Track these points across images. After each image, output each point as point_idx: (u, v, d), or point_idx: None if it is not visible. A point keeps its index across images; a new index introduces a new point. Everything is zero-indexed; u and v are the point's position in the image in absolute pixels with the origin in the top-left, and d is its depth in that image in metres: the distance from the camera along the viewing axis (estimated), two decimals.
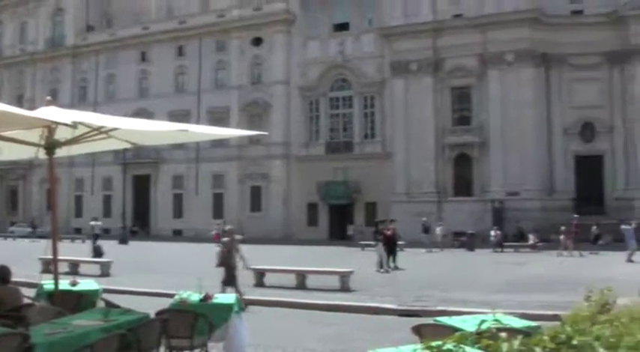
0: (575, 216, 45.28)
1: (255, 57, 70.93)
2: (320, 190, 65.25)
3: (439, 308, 17.19)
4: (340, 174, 64.85)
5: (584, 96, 58.66)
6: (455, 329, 6.33)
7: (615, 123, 58.67)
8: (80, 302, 11.53)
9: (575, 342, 4.17)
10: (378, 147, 64.53)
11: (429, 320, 9.03)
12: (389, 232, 33.19)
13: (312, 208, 66.56)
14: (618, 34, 57.65)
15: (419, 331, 7.76)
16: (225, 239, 18.39)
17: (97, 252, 34.97)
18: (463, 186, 60.11)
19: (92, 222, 45.83)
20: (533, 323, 8.14)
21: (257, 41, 70.90)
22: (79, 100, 78.60)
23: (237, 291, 17.27)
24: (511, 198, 56.39)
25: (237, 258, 18.47)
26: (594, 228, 47.94)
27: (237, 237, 19.07)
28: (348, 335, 14.63)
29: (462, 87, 61.20)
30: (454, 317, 8.57)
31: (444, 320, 8.23)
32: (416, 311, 17.22)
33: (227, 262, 17.98)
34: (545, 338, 4.18)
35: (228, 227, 19.20)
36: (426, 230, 48.29)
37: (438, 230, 48.86)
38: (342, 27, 67.27)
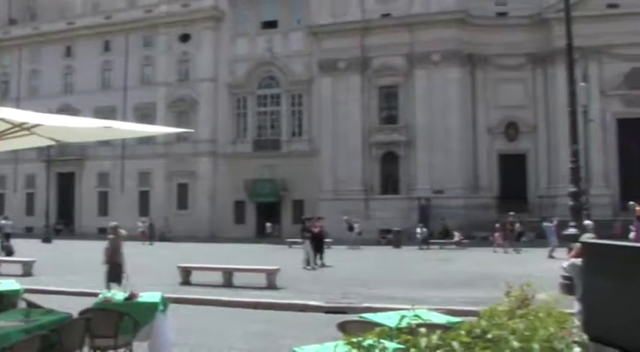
0: (511, 213, 45.99)
1: (182, 53, 70.29)
2: (247, 188, 65.11)
3: (365, 304, 17.31)
4: (267, 172, 64.79)
5: (509, 96, 59.79)
6: (379, 326, 6.40)
7: (538, 122, 59.97)
8: (0, 302, 11.30)
9: (489, 336, 4.28)
10: (305, 145, 64.67)
11: (355, 317, 9.11)
12: (316, 230, 33.27)
13: (239, 206, 66.34)
14: (542, 36, 58.86)
15: (344, 327, 7.81)
16: (110, 236, 18.08)
17: (8, 251, 34.41)
18: (390, 184, 60.66)
19: (2, 221, 44.92)
20: (456, 319, 8.27)
21: (185, 37, 70.26)
22: (1, 96, 76.83)
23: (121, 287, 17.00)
24: (437, 195, 57.07)
25: (123, 254, 18.07)
26: (517, 225, 48.82)
27: (123, 232, 18.81)
28: (275, 333, 14.63)
29: (389, 86, 61.68)
30: (379, 314, 8.66)
31: (369, 316, 8.31)
32: (342, 308, 17.29)
33: (113, 259, 17.70)
34: (462, 332, 4.28)
35: (112, 224, 18.84)
36: (350, 228, 48.49)
37: (356, 227, 49.06)
38: (271, 25, 67.16)
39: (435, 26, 59.01)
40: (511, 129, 60.55)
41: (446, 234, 51.25)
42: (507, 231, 43.73)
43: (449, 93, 58.80)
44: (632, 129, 57.65)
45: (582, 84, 37.56)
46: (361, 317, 8.47)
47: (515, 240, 44.25)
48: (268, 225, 62.85)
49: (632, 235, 30.26)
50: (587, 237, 10.77)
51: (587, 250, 4.83)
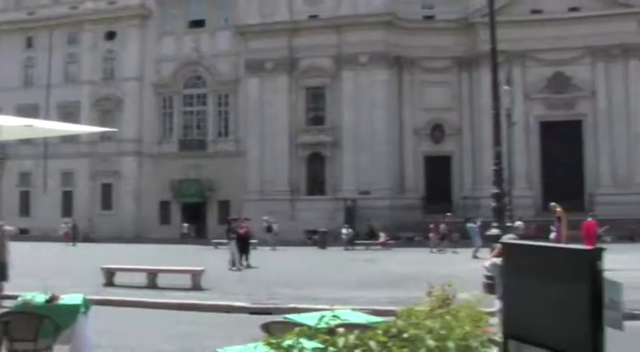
0: (448, 214, 46.53)
1: (108, 51, 69.25)
2: (173, 188, 64.52)
3: (290, 305, 17.28)
4: (193, 172, 64.30)
5: (435, 98, 60.57)
6: (302, 326, 6.38)
7: (463, 125, 60.90)
8: None
9: (406, 335, 4.32)
10: (232, 145, 64.38)
11: (279, 318, 9.08)
12: (242, 230, 33.15)
13: (164, 206, 65.69)
14: (468, 39, 59.78)
15: (268, 328, 7.78)
16: None
17: None
18: (316, 184, 60.81)
19: None
20: (379, 319, 8.30)
21: (110, 35, 69.23)
22: None
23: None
24: (363, 196, 57.40)
25: (8, 252, 17.64)
26: (443, 226, 49.41)
27: (9, 229, 18.41)
28: (200, 334, 14.51)
29: (316, 87, 61.84)
30: (303, 314, 8.65)
31: (293, 317, 8.29)
32: (268, 309, 17.24)
33: None
34: (379, 332, 4.31)
35: None
36: (269, 229, 48.30)
37: (275, 228, 49.00)
38: (198, 24, 66.66)
39: (362, 28, 59.39)
40: (437, 131, 61.35)
41: (372, 235, 51.56)
42: (447, 231, 44.40)
43: (376, 94, 59.22)
44: (554, 131, 59.03)
45: (506, 87, 38.20)
46: (285, 317, 8.45)
47: (440, 239, 44.86)
48: (185, 225, 62.35)
49: (552, 235, 30.88)
50: (509, 238, 10.93)
51: (506, 250, 4.90)
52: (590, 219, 29.21)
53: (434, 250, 42.52)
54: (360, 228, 53.45)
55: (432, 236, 44.72)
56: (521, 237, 36.61)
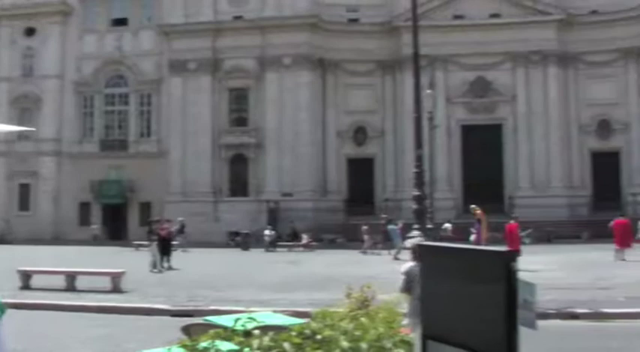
0: (384, 216, 46.69)
1: (27, 48, 67.61)
2: (93, 189, 63.42)
3: (212, 307, 17.20)
4: (114, 173, 63.36)
5: (358, 101, 61.04)
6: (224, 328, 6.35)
7: (386, 128, 61.42)
8: None
9: (319, 337, 4.35)
10: (154, 146, 63.65)
11: (200, 320, 9.02)
12: (163, 232, 32.87)
13: (84, 207, 64.53)
14: (392, 43, 60.34)
15: (188, 331, 7.72)
16: None
17: None
18: (239, 186, 60.57)
19: None
20: (300, 320, 8.31)
21: (30, 31, 67.63)
22: None
23: None
24: (285, 198, 57.42)
25: None
26: (365, 228, 49.72)
27: None
28: (119, 337, 14.34)
29: (240, 88, 61.61)
30: (223, 316, 8.60)
31: (213, 319, 8.24)
32: (189, 311, 17.15)
33: None
34: (293, 333, 4.33)
35: None
36: (181, 230, 47.67)
37: (186, 230, 48.57)
38: (121, 22, 65.72)
39: (286, 30, 59.45)
40: (360, 134, 61.78)
41: (294, 237, 51.64)
42: (381, 232, 44.47)
43: (299, 96, 59.32)
44: (475, 135, 60.15)
45: (428, 91, 38.71)
46: (205, 319, 8.39)
47: (362, 242, 45.10)
48: (95, 227, 61.38)
49: (472, 237, 31.38)
50: (415, 241, 11.08)
51: (423, 252, 4.95)
52: (512, 221, 29.76)
53: (368, 252, 42.49)
54: (282, 230, 53.47)
55: (366, 238, 44.82)
56: (443, 239, 37.17)
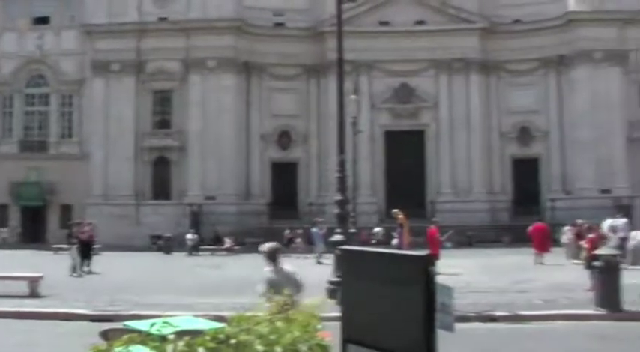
0: (321, 219, 46.42)
1: None
2: (12, 191, 61.90)
3: (132, 312, 16.99)
4: (34, 175, 61.95)
5: (283, 105, 61.07)
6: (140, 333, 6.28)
7: (310, 132, 61.58)
8: None
9: (233, 341, 4.35)
10: (75, 147, 62.49)
11: (120, 325, 8.90)
12: (84, 235, 32.36)
13: (1, 210, 63.01)
14: (317, 48, 60.52)
15: (106, 335, 7.62)
16: None
17: None
18: (162, 189, 59.94)
19: None
20: (221, 325, 8.26)
21: None
22: None
23: None
24: (208, 202, 57.02)
25: None
26: (287, 231, 49.82)
27: None
28: (37, 343, 14.06)
29: (163, 90, 61.00)
30: (143, 321, 8.50)
31: (132, 323, 8.14)
32: (109, 316, 16.86)
33: None
34: (207, 338, 4.32)
35: None
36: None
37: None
38: (43, 21, 64.40)
39: (211, 33, 59.11)
40: (284, 138, 61.78)
41: (217, 241, 51.35)
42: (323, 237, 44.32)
43: (223, 100, 59.01)
44: (398, 140, 60.77)
45: (353, 96, 38.92)
46: (125, 324, 8.28)
47: (285, 246, 45.05)
48: (4, 229, 59.89)
49: (394, 241, 31.65)
50: (270, 246, 11.13)
51: (343, 256, 4.98)
52: (432, 225, 30.12)
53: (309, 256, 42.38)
54: (205, 234, 53.18)
55: (297, 241, 44.66)
56: (366, 243, 37.38)
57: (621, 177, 57.20)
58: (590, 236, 25.19)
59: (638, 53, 58.71)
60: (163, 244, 49.37)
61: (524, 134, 61.27)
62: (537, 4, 59.93)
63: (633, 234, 33.55)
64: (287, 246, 45.66)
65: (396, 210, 30.36)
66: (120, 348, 4.17)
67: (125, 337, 4.26)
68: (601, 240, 26.65)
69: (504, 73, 61.64)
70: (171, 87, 60.72)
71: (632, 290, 19.18)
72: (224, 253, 46.71)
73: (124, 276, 29.14)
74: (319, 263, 35.51)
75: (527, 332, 15.60)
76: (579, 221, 34.25)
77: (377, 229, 47.75)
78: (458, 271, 26.62)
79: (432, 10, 61.30)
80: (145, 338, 4.28)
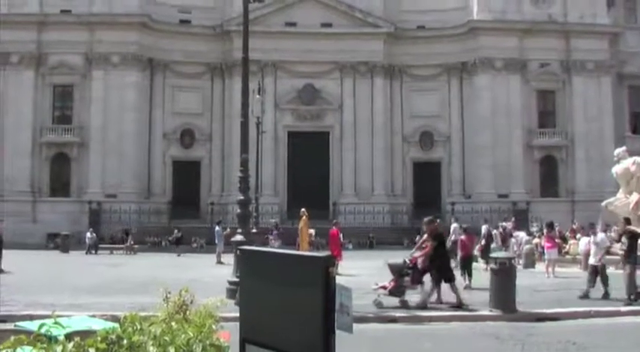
0: (220, 221, 45.85)
1: None
2: None
3: (25, 312, 16.49)
4: None
5: (186, 103, 60.65)
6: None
7: (214, 131, 61.25)
8: None
9: (125, 342, 4.26)
10: None
11: (11, 326, 8.59)
12: None
13: None
14: (223, 47, 60.37)
15: None
16: None
17: None
18: (61, 186, 58.54)
19: None
20: (116, 325, 8.08)
21: None
22: None
23: None
24: (109, 200, 56.01)
25: None
26: (176, 231, 49.68)
27: None
28: None
29: (65, 85, 59.64)
30: (36, 321, 8.23)
31: (24, 324, 7.87)
32: (0, 317, 16.32)
33: None
34: (98, 338, 4.22)
35: None
36: None
37: None
38: None
39: (115, 28, 58.11)
40: (187, 136, 61.23)
41: (119, 239, 50.59)
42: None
43: (126, 96, 58.06)
44: (302, 141, 60.95)
45: (257, 96, 38.88)
46: (17, 325, 7.99)
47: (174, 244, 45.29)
48: None
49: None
50: None
51: (242, 256, 4.93)
52: (334, 227, 30.26)
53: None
54: (105, 232, 52.34)
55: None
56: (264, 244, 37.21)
57: (518, 182, 58.83)
58: (462, 238, 25.95)
59: (536, 62, 60.65)
60: (60, 242, 48.24)
61: (426, 138, 62.37)
62: (441, 11, 61.17)
63: (521, 235, 34.97)
64: (177, 244, 45.59)
65: (303, 210, 30.39)
66: (7, 350, 4.02)
67: (13, 338, 4.09)
68: (473, 243, 27.83)
69: (408, 78, 62.61)
70: (72, 81, 59.36)
71: (525, 292, 19.72)
72: (124, 252, 46.01)
73: (18, 275, 28.27)
74: (220, 263, 35.31)
75: (425, 332, 15.81)
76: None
77: (311, 231, 47.26)
78: (357, 272, 26.88)
79: (339, 13, 61.73)
80: (33, 339, 4.12)
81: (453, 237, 35.08)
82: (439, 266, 19.13)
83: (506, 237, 35.31)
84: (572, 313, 17.96)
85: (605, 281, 20.49)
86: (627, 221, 21.67)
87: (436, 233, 19.95)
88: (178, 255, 43.74)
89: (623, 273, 20.14)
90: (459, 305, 18.59)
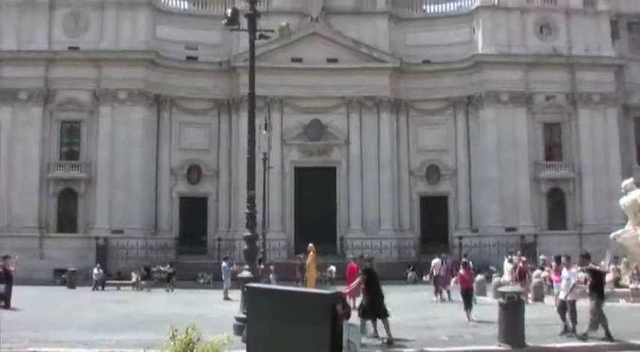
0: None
1: None
2: None
3: (30, 349, 16.42)
4: None
5: (193, 139, 60.86)
6: None
7: (221, 166, 61.31)
8: None
9: None
10: None
11: None
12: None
13: None
14: (229, 83, 60.75)
15: None
16: None
17: None
18: (68, 222, 58.45)
19: None
20: None
21: None
22: None
23: None
24: (116, 236, 55.90)
25: None
26: (168, 266, 49.50)
27: None
28: None
29: (72, 121, 59.76)
30: None
31: None
32: None
33: None
34: None
35: None
36: None
37: None
38: None
39: (123, 64, 58.38)
40: (194, 172, 61.33)
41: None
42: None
43: (133, 132, 58.22)
44: (309, 176, 61.05)
45: (264, 132, 38.99)
46: None
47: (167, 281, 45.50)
48: None
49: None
50: None
51: (249, 293, 4.91)
52: (352, 261, 30.60)
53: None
54: (112, 268, 52.25)
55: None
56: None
57: (526, 215, 58.68)
58: (461, 272, 25.83)
59: (542, 95, 60.84)
60: (67, 278, 48.15)
61: (433, 172, 62.39)
62: (446, 45, 61.52)
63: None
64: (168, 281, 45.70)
65: (311, 245, 30.41)
66: None
67: None
68: (472, 277, 27.77)
69: (414, 112, 62.78)
70: (80, 117, 59.51)
71: (533, 326, 19.56)
72: (130, 288, 45.89)
73: (24, 311, 28.16)
74: (227, 298, 35.20)
75: None
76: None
77: (331, 267, 47.43)
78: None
79: (345, 48, 62.01)
80: None
81: (434, 273, 35.46)
82: (370, 301, 19.19)
83: (525, 271, 34.32)
84: (582, 348, 17.81)
85: (573, 317, 20.02)
86: (587, 256, 21.65)
87: (365, 268, 20.48)
88: (167, 291, 43.80)
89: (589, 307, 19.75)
90: (390, 342, 18.49)
